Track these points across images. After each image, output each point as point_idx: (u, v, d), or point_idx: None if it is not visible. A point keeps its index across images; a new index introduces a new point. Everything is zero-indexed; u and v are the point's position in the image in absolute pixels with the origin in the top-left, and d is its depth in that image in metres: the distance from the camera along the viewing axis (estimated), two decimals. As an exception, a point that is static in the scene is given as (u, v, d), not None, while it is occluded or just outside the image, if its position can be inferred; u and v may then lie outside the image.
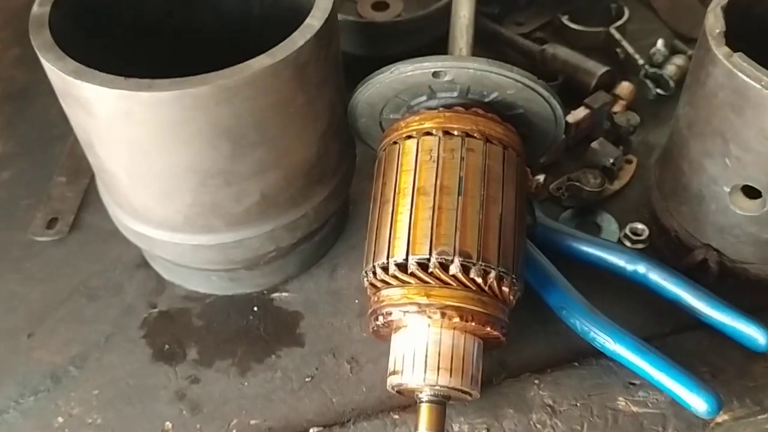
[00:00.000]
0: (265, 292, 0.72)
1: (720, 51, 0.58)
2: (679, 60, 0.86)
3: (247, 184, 0.60)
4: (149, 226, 0.64)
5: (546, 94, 0.61)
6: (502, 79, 0.60)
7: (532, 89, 0.61)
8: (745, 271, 0.67)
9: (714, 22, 0.60)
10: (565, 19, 0.93)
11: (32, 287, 0.73)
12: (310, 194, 0.65)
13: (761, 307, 0.65)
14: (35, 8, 0.58)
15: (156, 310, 0.71)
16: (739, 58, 0.57)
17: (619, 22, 0.92)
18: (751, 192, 0.62)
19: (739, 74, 0.56)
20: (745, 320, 0.62)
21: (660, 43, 0.88)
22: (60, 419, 0.63)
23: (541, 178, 0.76)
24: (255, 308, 0.71)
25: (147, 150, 0.56)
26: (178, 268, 0.71)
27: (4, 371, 0.67)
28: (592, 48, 0.91)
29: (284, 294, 0.72)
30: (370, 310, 0.59)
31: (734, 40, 0.59)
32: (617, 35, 0.90)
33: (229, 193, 0.60)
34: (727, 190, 0.62)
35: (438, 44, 0.83)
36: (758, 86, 0.55)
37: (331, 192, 0.67)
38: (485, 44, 0.94)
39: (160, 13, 0.69)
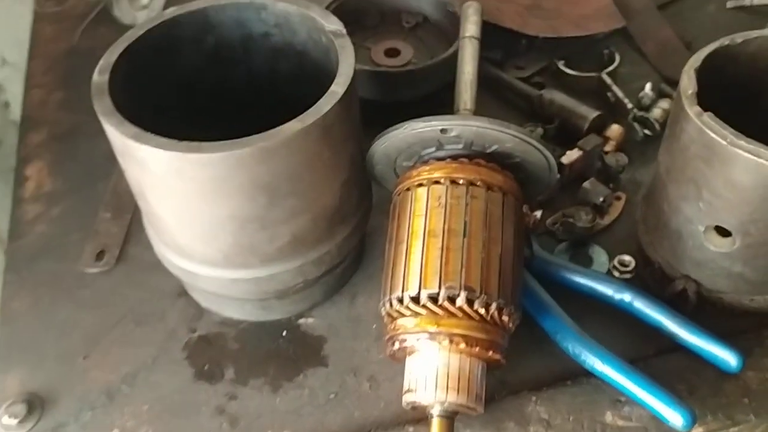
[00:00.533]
0: (292, 318, 0.80)
1: (692, 110, 0.66)
2: (664, 104, 0.94)
3: (280, 228, 0.68)
4: (192, 263, 0.72)
5: (539, 146, 0.69)
6: (501, 135, 0.68)
7: (527, 143, 0.69)
8: (721, 299, 0.74)
9: (687, 83, 0.68)
10: (560, 64, 1.02)
11: (85, 314, 0.82)
12: (333, 233, 0.73)
13: (734, 332, 0.73)
14: (96, 77, 0.67)
15: (196, 334, 0.79)
16: (708, 117, 0.65)
17: (610, 68, 1.00)
18: (723, 231, 0.70)
19: (708, 132, 0.64)
20: (719, 344, 0.70)
21: (648, 87, 0.97)
22: (116, 431, 0.72)
23: (538, 214, 0.84)
24: (284, 333, 0.79)
25: (194, 201, 0.65)
26: (215, 297, 0.79)
27: (64, 389, 0.75)
28: (586, 91, 0.99)
29: (310, 320, 0.80)
30: (386, 337, 0.68)
31: (708, 95, 0.67)
32: (608, 80, 0.98)
33: (264, 235, 0.68)
34: (702, 229, 0.70)
35: (445, 89, 0.91)
36: (724, 142, 0.63)
37: (352, 230, 0.76)
38: (489, 88, 1.02)
39: (198, 72, 0.78)
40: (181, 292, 0.83)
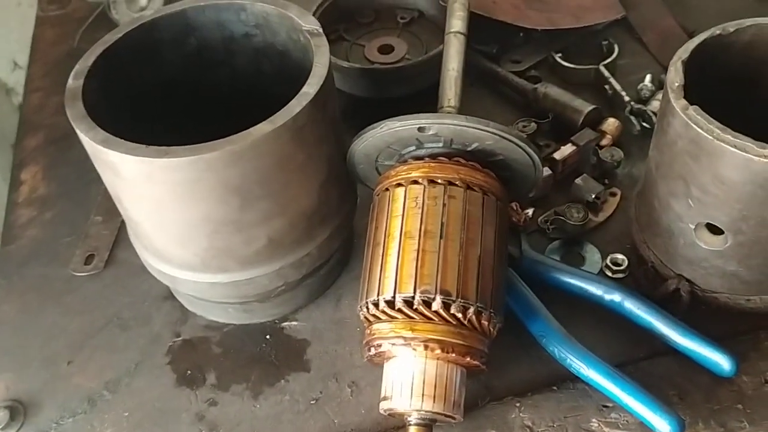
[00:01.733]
0: (276, 321, 0.79)
1: (678, 104, 0.63)
2: (663, 96, 0.91)
3: (255, 231, 0.67)
4: (172, 266, 0.72)
5: (521, 143, 0.67)
6: (480, 132, 0.66)
7: (509, 140, 0.67)
8: (715, 299, 0.71)
9: (674, 75, 0.65)
10: (558, 57, 0.99)
11: (72, 318, 0.82)
12: (313, 235, 0.72)
13: (729, 334, 0.70)
14: (70, 81, 0.67)
15: (180, 338, 0.79)
16: (694, 111, 0.62)
17: (609, 60, 0.97)
18: (714, 229, 0.67)
19: (694, 126, 0.62)
20: (712, 347, 0.67)
21: (647, 78, 0.93)
22: (96, 439, 0.72)
23: (530, 212, 0.82)
24: (267, 336, 0.78)
25: (166, 205, 0.64)
26: (199, 301, 0.79)
27: (47, 395, 0.75)
28: (584, 84, 0.96)
29: (293, 323, 0.79)
30: (364, 342, 0.66)
31: (702, 87, 0.64)
32: (606, 73, 0.95)
33: (240, 238, 0.67)
34: (692, 226, 0.67)
35: (437, 86, 0.89)
36: (710, 137, 0.60)
37: (333, 232, 0.74)
38: (483, 82, 1.00)
39: (181, 73, 0.77)
40: (168, 295, 0.83)
